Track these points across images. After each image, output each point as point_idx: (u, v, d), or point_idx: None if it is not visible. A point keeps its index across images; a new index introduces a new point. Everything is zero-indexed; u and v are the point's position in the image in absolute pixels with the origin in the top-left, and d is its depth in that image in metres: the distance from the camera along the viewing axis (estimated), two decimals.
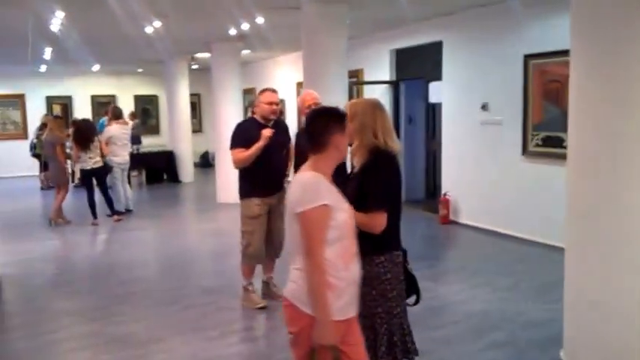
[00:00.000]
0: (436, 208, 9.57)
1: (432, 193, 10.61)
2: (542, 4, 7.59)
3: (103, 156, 10.16)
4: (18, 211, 11.90)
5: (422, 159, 10.89)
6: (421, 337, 4.42)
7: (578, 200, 3.93)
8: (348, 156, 3.23)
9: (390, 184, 3.25)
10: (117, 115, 11.26)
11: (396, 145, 3.33)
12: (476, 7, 8.55)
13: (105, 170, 10.35)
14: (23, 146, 16.16)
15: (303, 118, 5.65)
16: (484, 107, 8.67)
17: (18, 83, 17.76)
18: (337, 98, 7.56)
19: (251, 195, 5.44)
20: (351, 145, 3.17)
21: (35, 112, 17.07)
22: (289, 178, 5.66)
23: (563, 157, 6.95)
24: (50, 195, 11.29)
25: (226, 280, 6.44)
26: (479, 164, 8.91)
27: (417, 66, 10.44)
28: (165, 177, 15.99)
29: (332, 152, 2.77)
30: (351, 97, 9.54)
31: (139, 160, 14.96)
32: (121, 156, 10.76)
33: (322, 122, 2.78)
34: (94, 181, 10.11)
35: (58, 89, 18.33)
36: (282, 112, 13.81)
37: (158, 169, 15.94)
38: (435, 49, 9.52)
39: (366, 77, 11.47)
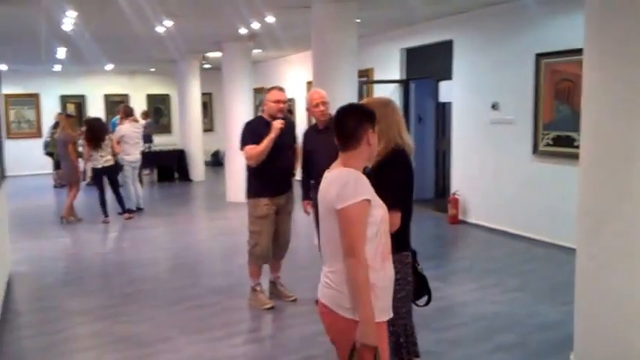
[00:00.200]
0: (445, 207, 9.54)
1: (441, 193, 10.57)
2: (554, 3, 7.53)
3: (114, 155, 10.23)
4: (31, 209, 12.01)
5: (431, 158, 10.85)
6: (429, 338, 4.44)
7: (590, 200, 3.87)
8: None
9: (406, 183, 3.24)
10: (128, 113, 11.37)
11: (411, 143, 3.34)
12: (487, 5, 8.50)
13: (116, 169, 10.43)
14: (37, 145, 16.34)
15: (313, 118, 5.67)
16: (494, 106, 8.62)
17: (33, 83, 17.98)
18: (347, 97, 7.55)
19: (259, 195, 5.42)
20: None
21: (49, 111, 17.26)
22: (297, 178, 5.69)
23: (574, 156, 6.92)
24: (63, 193, 11.39)
25: (234, 279, 6.44)
26: (489, 164, 8.86)
27: (428, 65, 10.41)
28: (176, 175, 16.08)
29: (364, 149, 2.73)
30: (361, 96, 9.53)
31: (150, 159, 15.10)
32: (132, 154, 10.86)
33: (356, 119, 2.73)
34: (106, 180, 10.17)
35: (72, 88, 18.55)
36: (291, 112, 13.91)
37: (169, 167, 16.04)
38: (446, 48, 9.47)
39: (376, 76, 11.44)
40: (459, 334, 4.93)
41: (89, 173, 11.17)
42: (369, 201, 2.58)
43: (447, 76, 9.61)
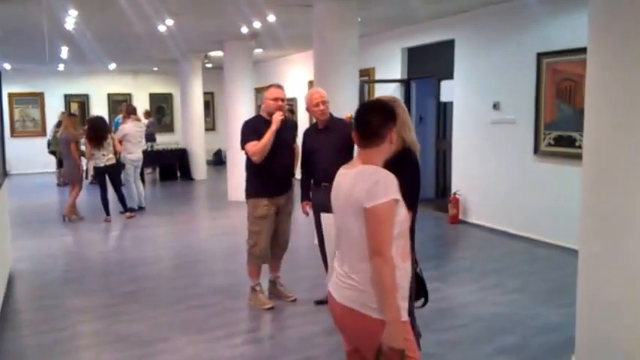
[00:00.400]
0: (446, 207, 9.52)
1: (441, 193, 10.55)
2: (556, 2, 7.52)
3: (116, 153, 10.26)
4: (34, 207, 12.07)
5: (432, 158, 10.84)
6: (428, 339, 4.42)
7: (593, 201, 3.83)
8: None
9: (416, 182, 3.24)
10: (131, 112, 11.42)
11: (417, 142, 3.32)
12: (488, 5, 8.49)
13: (118, 168, 10.45)
14: (42, 143, 16.43)
15: (313, 117, 5.65)
16: (496, 106, 8.61)
17: (37, 82, 18.16)
18: (348, 97, 7.58)
19: (259, 195, 5.41)
20: None
21: (54, 110, 17.41)
22: (297, 177, 5.68)
23: (575, 156, 6.96)
24: (66, 191, 11.43)
25: (235, 279, 6.43)
26: (489, 164, 8.85)
27: (429, 64, 10.40)
28: (178, 174, 16.14)
29: (385, 147, 2.70)
30: (362, 95, 9.53)
31: (153, 158, 15.21)
32: (134, 153, 10.93)
33: (382, 117, 2.69)
34: (107, 179, 10.19)
35: (76, 88, 18.72)
36: (292, 111, 13.92)
37: (172, 166, 16.10)
38: (447, 47, 9.47)
39: (378, 76, 11.44)
40: (459, 336, 4.91)
41: (91, 172, 11.19)
42: (397, 200, 2.54)
43: (449, 75, 9.60)
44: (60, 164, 13.78)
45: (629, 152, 3.55)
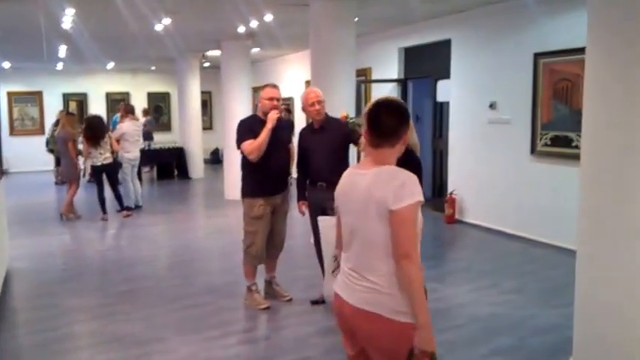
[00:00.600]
0: (442, 207, 9.52)
1: (438, 192, 10.54)
2: (553, 2, 7.51)
3: (113, 152, 10.27)
4: (32, 205, 12.08)
5: (429, 157, 10.82)
6: None
7: (591, 201, 3.82)
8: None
9: (419, 183, 3.24)
10: (129, 112, 11.44)
11: (417, 142, 3.30)
12: (485, 5, 8.49)
13: (115, 166, 10.46)
14: (40, 142, 16.44)
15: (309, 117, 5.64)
16: (492, 106, 8.61)
17: (36, 80, 18.21)
18: (345, 96, 7.57)
19: (255, 195, 5.39)
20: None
21: (52, 109, 17.41)
22: (293, 177, 5.67)
23: (572, 157, 6.97)
24: (64, 190, 11.45)
25: (231, 278, 6.41)
26: (486, 163, 8.85)
27: (426, 64, 10.39)
28: (175, 173, 16.16)
29: (399, 147, 2.64)
30: (358, 95, 9.52)
31: (150, 157, 15.24)
32: (132, 152, 10.95)
33: (399, 117, 2.63)
34: (105, 177, 10.19)
35: (74, 86, 18.75)
36: (289, 110, 13.91)
37: (169, 165, 16.13)
38: (444, 47, 9.48)
39: (375, 75, 11.44)
40: (455, 337, 4.90)
41: (88, 170, 11.21)
42: (420, 202, 2.50)
43: (445, 75, 9.60)
44: (58, 163, 13.79)
45: (627, 153, 3.54)
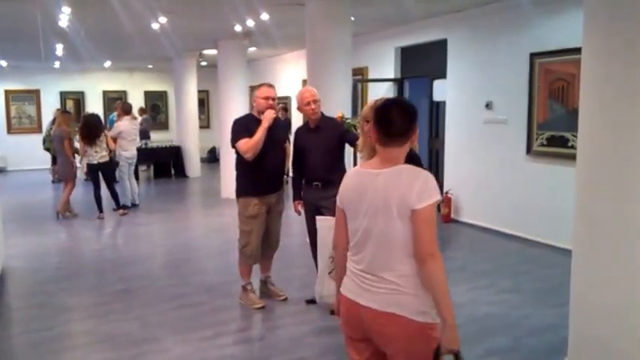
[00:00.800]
0: (438, 206, 9.47)
1: None
2: (549, 3, 7.52)
3: (111, 151, 10.28)
4: (28, 204, 12.08)
5: (425, 157, 10.81)
6: None
7: (587, 201, 3.80)
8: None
9: None
10: (126, 110, 11.45)
11: (417, 144, 3.30)
12: (481, 4, 8.48)
13: (111, 165, 10.46)
14: (38, 140, 16.45)
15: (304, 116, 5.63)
16: (488, 106, 8.62)
17: (33, 79, 18.21)
18: (341, 96, 7.57)
19: (250, 194, 5.38)
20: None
21: (49, 107, 17.47)
22: (289, 177, 5.67)
23: (568, 157, 6.98)
24: (61, 188, 11.40)
25: (227, 277, 6.41)
26: (482, 163, 8.86)
27: (422, 64, 10.39)
28: (172, 172, 16.18)
29: (407, 147, 2.63)
30: (355, 94, 9.51)
31: (147, 155, 15.26)
32: (129, 150, 11.00)
33: (410, 117, 2.60)
34: (101, 176, 10.20)
35: (72, 85, 18.75)
36: (286, 109, 13.91)
37: (166, 164, 16.16)
38: (440, 47, 9.47)
39: (371, 75, 11.44)
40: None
41: (85, 169, 11.22)
42: (438, 201, 2.51)
43: (441, 75, 9.60)
44: (54, 161, 13.78)
45: (622, 153, 3.52)
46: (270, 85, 5.49)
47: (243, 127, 5.32)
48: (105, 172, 10.22)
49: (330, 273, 4.24)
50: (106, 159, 10.14)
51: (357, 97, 11.37)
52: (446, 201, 9.30)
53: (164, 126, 19.75)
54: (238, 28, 10.13)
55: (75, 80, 18.55)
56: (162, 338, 4.91)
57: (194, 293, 6.07)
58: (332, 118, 5.46)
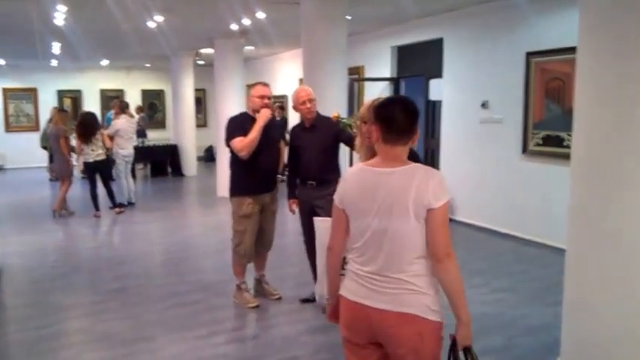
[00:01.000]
0: None
1: None
2: (545, 1, 7.52)
3: (108, 149, 10.28)
4: (25, 202, 12.12)
5: (420, 156, 10.80)
6: None
7: (581, 201, 3.79)
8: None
9: None
10: (123, 108, 11.50)
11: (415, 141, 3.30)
12: (477, 3, 8.49)
13: (108, 163, 10.45)
14: (35, 138, 16.50)
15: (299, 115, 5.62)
16: (484, 105, 8.62)
17: (31, 77, 18.27)
18: (337, 95, 7.56)
19: (244, 193, 5.37)
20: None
21: (47, 105, 17.45)
22: (283, 177, 5.67)
23: (563, 156, 6.98)
24: (58, 186, 11.43)
25: (222, 276, 6.40)
26: (478, 162, 8.86)
27: (418, 63, 10.40)
28: (169, 170, 16.20)
29: (409, 146, 2.61)
30: (351, 93, 9.51)
31: (144, 154, 15.25)
32: (126, 149, 11.00)
33: (414, 116, 2.58)
34: (97, 174, 10.20)
35: (69, 83, 18.79)
36: (282, 108, 13.91)
37: (162, 162, 16.17)
38: (436, 46, 9.48)
39: (367, 74, 11.45)
40: (445, 336, 4.88)
41: (81, 167, 11.23)
42: (449, 199, 2.51)
43: (438, 74, 9.61)
44: (52, 159, 13.79)
45: (618, 152, 3.51)
46: (266, 84, 5.48)
47: (238, 125, 5.30)
48: (101, 171, 10.22)
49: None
50: (103, 157, 10.15)
51: (353, 96, 11.38)
52: None
53: (161, 124, 19.76)
54: (234, 26, 10.13)
55: (72, 79, 18.57)
56: (157, 337, 4.91)
57: (189, 292, 6.07)
58: (327, 118, 5.44)
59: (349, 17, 7.98)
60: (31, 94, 18.54)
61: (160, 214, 10.68)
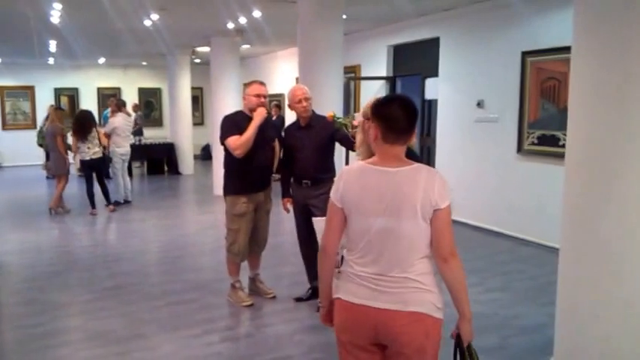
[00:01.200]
0: None
1: None
2: (541, 1, 7.52)
3: (105, 148, 10.29)
4: (22, 199, 12.11)
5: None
6: None
7: (575, 201, 3.79)
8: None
9: None
10: (120, 106, 11.57)
11: (415, 141, 3.28)
12: (473, 3, 8.50)
13: (104, 161, 10.45)
14: (32, 136, 16.51)
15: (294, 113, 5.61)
16: (480, 104, 8.63)
17: (28, 75, 18.29)
18: (333, 93, 7.55)
19: (238, 192, 5.37)
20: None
21: (44, 103, 17.43)
22: (276, 176, 5.66)
23: (558, 155, 6.99)
24: (55, 184, 11.43)
25: (216, 274, 6.40)
26: (473, 162, 8.87)
27: (414, 62, 10.41)
28: (166, 169, 16.21)
29: (407, 145, 2.61)
30: (347, 92, 9.50)
31: (141, 152, 15.25)
32: (123, 147, 11.02)
33: (415, 114, 2.57)
34: (94, 172, 10.21)
35: (66, 81, 18.76)
36: (279, 106, 13.90)
37: (159, 160, 16.17)
38: (432, 45, 9.49)
39: (363, 73, 11.45)
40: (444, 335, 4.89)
41: (77, 165, 11.24)
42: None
43: (434, 73, 9.62)
44: (48, 157, 13.79)
45: (612, 152, 3.51)
46: (262, 83, 5.46)
47: (234, 124, 5.29)
48: (98, 169, 10.24)
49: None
50: (99, 155, 10.15)
51: (350, 94, 11.39)
52: None
53: (158, 123, 19.75)
54: (230, 25, 10.12)
55: (69, 77, 18.54)
56: (151, 335, 4.91)
57: (184, 290, 6.06)
58: (323, 117, 5.42)
59: (345, 16, 7.97)
60: (28, 92, 18.55)
61: (156, 212, 10.68)
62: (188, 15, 9.56)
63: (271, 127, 5.71)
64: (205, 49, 13.38)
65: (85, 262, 7.41)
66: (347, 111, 8.07)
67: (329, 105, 6.46)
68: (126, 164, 11.32)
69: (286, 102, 5.64)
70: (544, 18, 7.56)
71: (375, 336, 2.55)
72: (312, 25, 7.70)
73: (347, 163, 7.91)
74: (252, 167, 5.30)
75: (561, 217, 3.89)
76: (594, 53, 3.64)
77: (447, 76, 9.34)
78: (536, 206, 7.68)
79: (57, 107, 12.46)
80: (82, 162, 10.23)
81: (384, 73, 10.87)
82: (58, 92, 18.75)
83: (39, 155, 16.05)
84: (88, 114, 10.47)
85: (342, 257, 2.74)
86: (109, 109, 12.39)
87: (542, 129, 7.67)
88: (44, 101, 17.68)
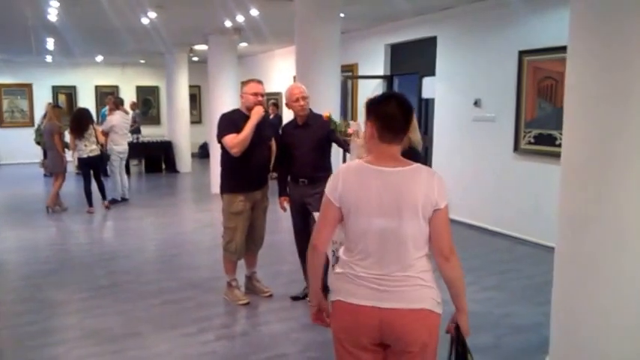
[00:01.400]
0: None
1: None
2: (538, 0, 7.52)
3: (103, 146, 10.28)
4: (19, 197, 12.11)
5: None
6: None
7: (571, 201, 3.80)
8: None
9: None
10: (118, 104, 11.56)
11: (420, 140, 3.28)
12: (471, 2, 8.50)
13: (102, 159, 10.44)
14: (30, 134, 16.41)
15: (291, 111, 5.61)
16: (477, 103, 8.64)
17: (26, 73, 18.28)
18: (330, 92, 7.55)
19: (235, 190, 5.37)
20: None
21: (42, 101, 17.38)
22: (273, 174, 5.66)
23: (555, 155, 6.99)
24: (52, 182, 11.42)
25: (213, 272, 6.41)
26: (470, 161, 8.88)
27: (411, 61, 10.42)
28: (163, 167, 16.19)
29: (402, 144, 2.60)
30: (344, 91, 9.50)
31: (138, 150, 15.25)
32: (121, 145, 11.03)
33: (410, 113, 2.57)
34: (91, 170, 10.21)
35: (64, 79, 18.77)
36: (277, 105, 13.89)
37: (157, 158, 16.18)
38: (430, 44, 9.49)
39: (361, 71, 11.46)
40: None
41: (75, 163, 11.24)
42: None
43: (431, 72, 9.63)
44: (46, 155, 13.78)
45: (607, 152, 3.52)
46: (259, 81, 5.46)
47: (231, 122, 5.29)
48: (95, 166, 10.24)
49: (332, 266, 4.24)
50: (97, 153, 10.14)
51: (347, 93, 11.39)
52: None
53: (156, 121, 19.76)
54: (228, 23, 10.12)
55: (67, 75, 18.55)
56: (146, 334, 4.91)
57: (180, 289, 6.07)
58: (320, 116, 5.42)
59: (343, 15, 7.97)
60: (25, 89, 18.55)
61: (154, 210, 10.67)
62: (186, 13, 9.56)
63: (268, 125, 5.71)
64: (203, 47, 13.37)
65: (81, 260, 7.40)
66: (344, 110, 8.06)
67: (326, 104, 6.46)
68: (123, 162, 11.32)
69: (284, 100, 5.63)
70: (541, 17, 7.56)
71: (379, 336, 2.54)
72: (310, 23, 7.69)
73: (344, 161, 7.90)
74: (250, 165, 5.30)
75: (557, 217, 3.90)
76: (590, 53, 3.64)
77: (444, 75, 9.35)
78: (533, 205, 7.69)
79: (55, 105, 12.47)
80: (80, 160, 10.23)
81: (381, 72, 10.88)
82: (56, 90, 18.76)
83: (36, 153, 16.00)
84: (85, 112, 10.47)
85: (337, 258, 2.71)
86: (107, 107, 12.37)
87: (539, 128, 7.68)
88: (42, 99, 17.63)
